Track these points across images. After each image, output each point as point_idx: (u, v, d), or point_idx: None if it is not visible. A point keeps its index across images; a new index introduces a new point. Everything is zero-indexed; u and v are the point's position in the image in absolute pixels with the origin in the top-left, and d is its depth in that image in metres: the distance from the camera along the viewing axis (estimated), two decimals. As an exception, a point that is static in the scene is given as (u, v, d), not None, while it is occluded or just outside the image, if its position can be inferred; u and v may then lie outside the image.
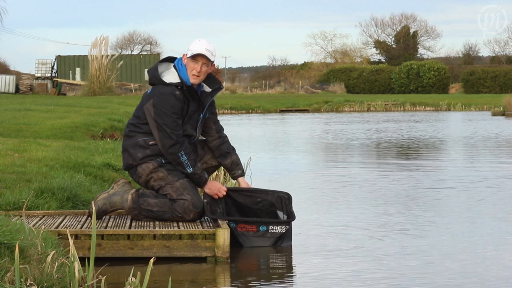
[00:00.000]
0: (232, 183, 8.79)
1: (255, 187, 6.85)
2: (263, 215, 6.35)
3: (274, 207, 6.35)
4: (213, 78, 6.40)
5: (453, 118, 32.14)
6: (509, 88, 61.30)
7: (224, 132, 6.57)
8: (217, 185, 6.29)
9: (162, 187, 6.13)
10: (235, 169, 6.52)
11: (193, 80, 6.22)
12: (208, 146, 6.51)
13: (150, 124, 6.16)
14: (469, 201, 8.66)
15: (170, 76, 6.24)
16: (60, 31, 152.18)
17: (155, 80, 6.25)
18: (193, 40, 6.29)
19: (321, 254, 5.91)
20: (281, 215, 6.32)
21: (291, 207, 6.31)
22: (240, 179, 6.53)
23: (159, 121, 6.10)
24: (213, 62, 6.28)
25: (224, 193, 6.29)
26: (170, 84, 6.19)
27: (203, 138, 6.54)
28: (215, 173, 8.91)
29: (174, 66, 6.28)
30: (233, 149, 6.56)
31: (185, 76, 6.22)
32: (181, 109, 6.16)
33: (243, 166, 6.63)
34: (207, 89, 6.36)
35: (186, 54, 6.26)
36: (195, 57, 6.21)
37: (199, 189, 6.31)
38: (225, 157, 6.50)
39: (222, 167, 7.09)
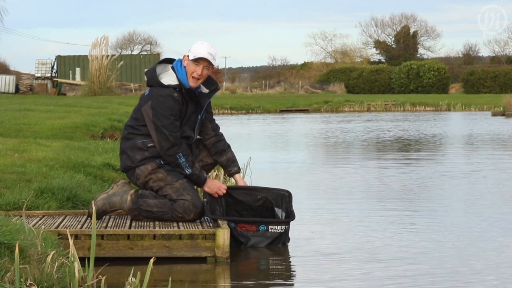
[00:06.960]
0: (232, 182, 8.78)
1: (255, 185, 6.84)
2: (264, 213, 6.35)
3: (274, 205, 6.35)
4: (210, 79, 6.40)
5: (453, 118, 32.13)
6: (509, 88, 61.29)
7: (220, 130, 6.58)
8: (217, 183, 6.29)
9: (162, 188, 6.13)
10: (231, 166, 6.52)
11: (192, 84, 6.20)
12: (204, 144, 6.51)
13: (149, 126, 6.15)
14: (470, 199, 8.67)
15: (168, 78, 6.23)
16: (60, 31, 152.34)
17: (153, 82, 6.24)
18: (196, 41, 6.27)
19: (321, 253, 5.90)
20: (280, 213, 6.32)
21: (291, 205, 6.31)
22: (236, 175, 6.54)
23: (157, 123, 6.09)
24: (214, 65, 6.28)
25: (224, 191, 6.30)
26: (168, 86, 6.18)
27: (199, 137, 6.53)
28: (214, 173, 8.91)
29: (173, 68, 6.27)
30: (229, 146, 6.56)
31: (183, 78, 6.21)
32: (179, 111, 6.15)
33: (240, 164, 6.63)
34: (204, 90, 6.35)
35: (188, 56, 6.25)
36: (197, 60, 6.20)
37: (198, 189, 6.31)
38: (221, 155, 6.50)
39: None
